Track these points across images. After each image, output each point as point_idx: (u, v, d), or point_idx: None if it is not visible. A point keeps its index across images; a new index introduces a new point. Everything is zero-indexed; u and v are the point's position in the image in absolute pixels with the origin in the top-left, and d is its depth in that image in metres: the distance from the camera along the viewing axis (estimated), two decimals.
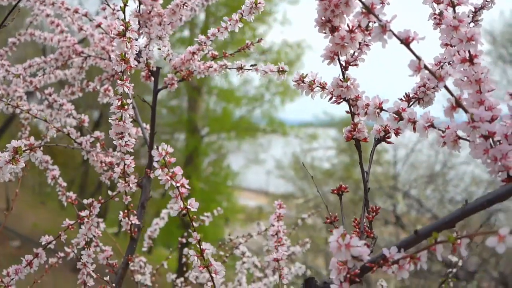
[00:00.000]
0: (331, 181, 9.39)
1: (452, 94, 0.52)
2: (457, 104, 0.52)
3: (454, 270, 1.14)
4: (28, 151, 0.66)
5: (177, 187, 0.61)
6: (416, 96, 0.68)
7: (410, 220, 6.88)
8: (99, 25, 1.05)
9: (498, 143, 0.52)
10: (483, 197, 0.49)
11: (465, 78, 0.53)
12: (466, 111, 0.51)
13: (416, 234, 0.51)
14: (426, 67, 0.50)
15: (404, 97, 0.68)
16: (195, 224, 0.67)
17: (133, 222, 0.96)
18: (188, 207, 0.62)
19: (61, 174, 1.13)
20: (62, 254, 1.13)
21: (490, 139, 0.52)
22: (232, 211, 10.85)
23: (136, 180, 0.90)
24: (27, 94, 1.37)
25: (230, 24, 0.87)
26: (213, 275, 0.64)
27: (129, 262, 0.98)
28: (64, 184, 1.10)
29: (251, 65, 0.92)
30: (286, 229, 0.93)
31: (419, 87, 0.67)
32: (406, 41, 0.50)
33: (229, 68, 0.96)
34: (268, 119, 11.60)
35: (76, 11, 1.08)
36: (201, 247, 0.64)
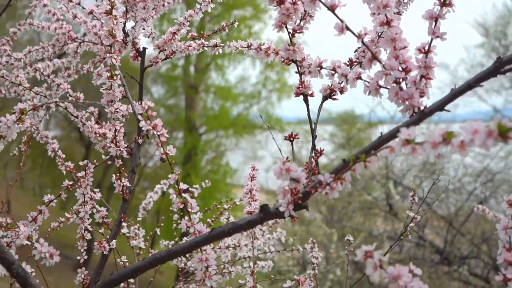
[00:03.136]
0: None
1: (370, 50, 0.65)
2: (373, 57, 0.65)
3: (412, 224, 1.27)
4: (32, 111, 0.79)
5: (158, 135, 0.74)
6: (357, 60, 0.81)
7: (405, 210, 7.02)
8: (91, 12, 1.18)
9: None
10: (394, 128, 0.62)
11: (384, 38, 0.66)
12: (380, 62, 0.64)
13: (344, 161, 0.64)
14: (347, 28, 0.63)
15: (348, 61, 0.81)
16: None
17: (124, 184, 1.09)
18: (167, 152, 0.75)
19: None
20: (62, 219, 1.26)
21: (404, 85, 0.65)
22: (231, 208, 10.97)
23: (126, 145, 1.03)
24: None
25: (204, 5, 1.01)
26: (189, 209, 0.77)
27: (122, 220, 1.11)
28: (63, 155, 1.23)
29: (222, 44, 1.05)
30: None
31: (361, 52, 0.80)
32: (332, 8, 0.63)
33: (206, 47, 1.09)
34: (266, 116, 11.72)
35: (70, 0, 1.21)
36: (179, 187, 0.78)
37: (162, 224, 1.52)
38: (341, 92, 0.80)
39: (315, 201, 8.43)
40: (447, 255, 6.12)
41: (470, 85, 0.59)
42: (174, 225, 1.42)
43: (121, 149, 1.03)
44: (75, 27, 1.41)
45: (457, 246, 6.64)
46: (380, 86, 0.67)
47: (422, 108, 0.63)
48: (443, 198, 6.87)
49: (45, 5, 1.31)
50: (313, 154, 0.76)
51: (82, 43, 1.31)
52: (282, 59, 0.76)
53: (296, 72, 0.77)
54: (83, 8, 1.22)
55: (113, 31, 0.83)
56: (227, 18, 10.82)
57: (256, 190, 1.07)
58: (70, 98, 1.24)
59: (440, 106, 0.60)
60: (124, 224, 1.39)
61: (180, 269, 1.49)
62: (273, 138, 1.11)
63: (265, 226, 1.53)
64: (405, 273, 0.52)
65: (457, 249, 6.46)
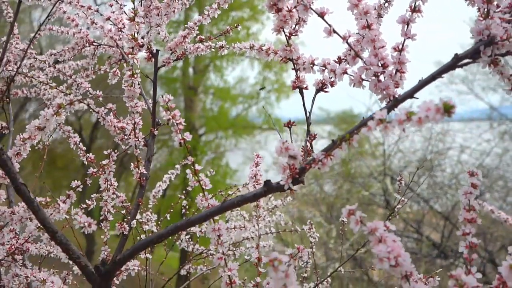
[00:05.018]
0: (328, 174, 9.63)
1: (353, 49, 0.78)
2: (356, 55, 0.78)
3: (399, 206, 1.40)
4: (68, 105, 0.93)
5: (177, 124, 0.88)
6: (345, 57, 0.94)
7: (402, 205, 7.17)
8: (108, 18, 1.31)
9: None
10: (372, 113, 0.75)
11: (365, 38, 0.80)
12: (361, 59, 0.78)
13: (333, 141, 0.78)
14: (334, 31, 0.76)
15: (337, 58, 0.94)
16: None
17: (142, 172, 1.23)
18: (184, 137, 0.89)
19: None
20: (84, 205, 1.39)
21: (382, 78, 0.79)
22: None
23: (144, 136, 1.16)
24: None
25: (211, 12, 1.14)
26: (203, 187, 0.91)
27: (140, 204, 1.25)
28: (84, 148, 1.37)
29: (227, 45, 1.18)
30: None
31: (348, 50, 0.93)
32: (322, 15, 0.77)
33: (213, 48, 1.22)
34: (264, 116, 11.86)
35: (89, 8, 1.35)
36: (195, 167, 0.91)
37: (171, 210, 1.65)
38: (332, 85, 0.93)
39: (315, 199, 8.58)
40: (443, 249, 6.26)
41: (434, 77, 0.72)
42: (184, 210, 1.56)
43: (139, 140, 1.16)
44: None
45: (453, 241, 6.80)
46: (363, 79, 0.80)
47: (396, 96, 0.76)
48: (439, 194, 7.02)
49: (64, 12, 1.45)
50: (308, 138, 0.89)
51: (98, 46, 1.45)
52: (281, 58, 0.89)
53: (293, 69, 0.90)
54: (101, 14, 1.35)
55: (135, 35, 0.97)
56: (225, 19, 10.97)
57: (260, 175, 1.20)
58: (90, 96, 1.37)
59: (410, 94, 0.74)
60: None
61: (189, 253, 1.63)
62: (275, 128, 1.24)
63: (265, 211, 1.66)
64: (380, 226, 0.65)
65: (454, 244, 6.61)
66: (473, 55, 0.70)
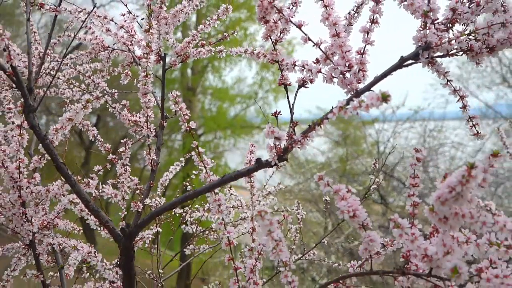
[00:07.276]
0: (325, 171, 9.79)
1: (324, 53, 0.99)
2: (327, 57, 0.99)
3: (375, 186, 1.60)
4: (95, 100, 1.13)
5: (183, 114, 1.08)
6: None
7: (396, 200, 7.41)
8: (122, 26, 1.52)
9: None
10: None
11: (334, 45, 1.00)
12: (331, 61, 0.98)
13: (309, 126, 0.98)
14: (309, 39, 0.97)
15: (315, 59, 1.15)
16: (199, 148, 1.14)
17: (153, 158, 1.43)
18: (190, 125, 1.09)
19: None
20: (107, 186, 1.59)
21: (348, 75, 0.99)
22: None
23: (155, 127, 1.37)
24: None
25: (212, 22, 1.35)
26: (206, 165, 1.11)
27: (151, 186, 1.45)
28: (101, 139, 1.57)
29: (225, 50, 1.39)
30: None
31: (322, 54, 1.14)
32: (299, 26, 0.97)
33: (213, 52, 1.43)
34: (262, 116, 12.06)
35: (105, 17, 1.55)
36: (199, 150, 1.12)
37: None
38: (311, 82, 1.13)
39: (312, 196, 8.77)
40: None
41: (385, 74, 0.93)
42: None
43: (151, 130, 1.37)
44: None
45: None
46: (333, 77, 1.01)
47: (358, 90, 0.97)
48: (433, 189, 7.23)
49: (83, 21, 1.65)
50: (291, 125, 1.10)
51: (113, 51, 1.65)
52: (269, 60, 1.10)
53: (278, 69, 1.11)
54: (116, 23, 1.55)
55: (149, 43, 1.17)
56: (223, 20, 11.17)
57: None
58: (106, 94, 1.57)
59: (367, 88, 0.94)
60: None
61: (192, 234, 1.83)
62: (271, 125, 1.44)
63: (260, 198, 1.86)
64: (343, 187, 0.86)
65: None
66: (414, 57, 0.90)
